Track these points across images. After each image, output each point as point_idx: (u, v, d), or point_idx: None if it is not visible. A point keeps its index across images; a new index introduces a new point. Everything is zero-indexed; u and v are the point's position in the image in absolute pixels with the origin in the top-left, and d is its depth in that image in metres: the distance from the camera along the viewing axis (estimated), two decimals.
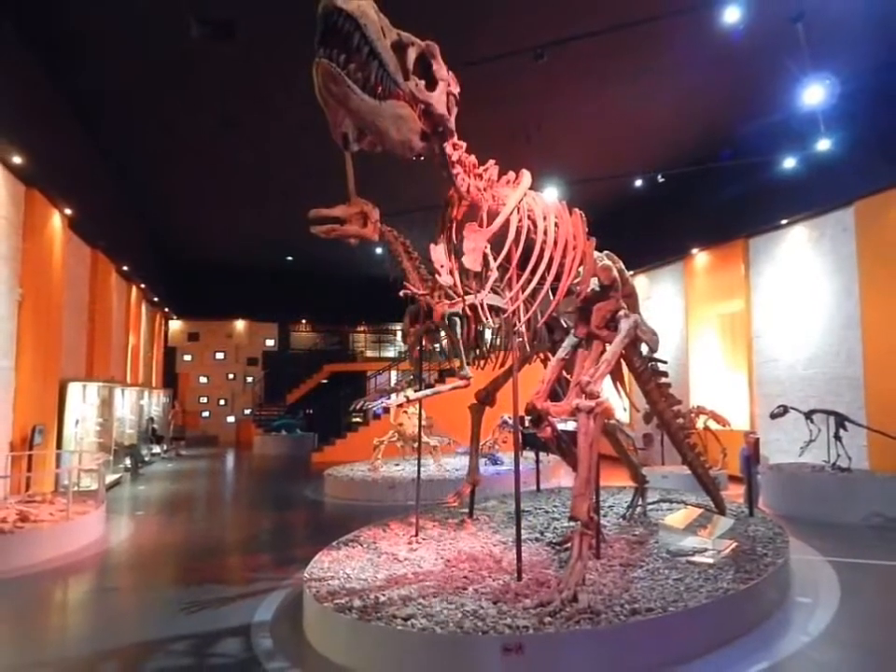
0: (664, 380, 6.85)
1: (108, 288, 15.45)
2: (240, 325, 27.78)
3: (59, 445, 11.59)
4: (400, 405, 11.99)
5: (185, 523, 10.38)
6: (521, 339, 5.95)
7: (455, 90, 3.92)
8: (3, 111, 8.62)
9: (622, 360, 6.29)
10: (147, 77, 10.12)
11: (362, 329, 30.50)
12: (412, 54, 3.45)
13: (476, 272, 4.87)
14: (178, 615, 5.62)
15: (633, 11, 8.13)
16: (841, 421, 9.88)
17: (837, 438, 9.87)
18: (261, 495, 13.82)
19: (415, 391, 6.93)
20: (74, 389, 12.39)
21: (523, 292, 5.07)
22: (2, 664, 4.81)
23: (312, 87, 3.16)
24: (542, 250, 5.18)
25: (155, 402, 21.48)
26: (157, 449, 19.70)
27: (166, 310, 25.01)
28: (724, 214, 13.68)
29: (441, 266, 4.58)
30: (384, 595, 4.83)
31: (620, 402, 6.77)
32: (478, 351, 6.86)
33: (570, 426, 6.53)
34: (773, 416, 10.55)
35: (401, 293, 6.22)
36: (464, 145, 4.41)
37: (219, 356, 27.51)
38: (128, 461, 15.64)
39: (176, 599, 6.08)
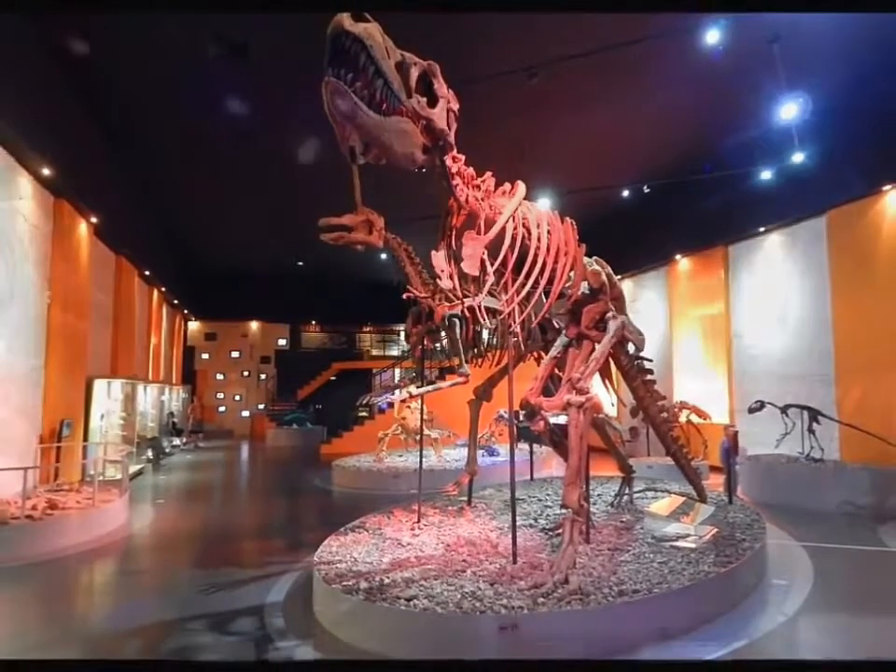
0: (649, 377, 6.85)
1: (131, 292, 15.43)
2: (254, 325, 27.78)
3: (85, 438, 11.56)
4: (404, 400, 11.95)
5: (203, 510, 10.36)
6: (516, 339, 5.94)
7: (455, 106, 3.91)
8: (33, 126, 8.61)
9: (610, 359, 6.29)
10: (169, 93, 10.11)
11: (368, 329, 30.49)
12: (414, 73, 3.45)
13: (474, 276, 4.86)
14: (196, 596, 5.62)
15: (620, 34, 8.13)
16: (814, 415, 9.89)
17: (811, 431, 9.87)
18: (274, 484, 13.81)
19: (418, 387, 6.93)
20: (99, 386, 12.38)
21: (518, 295, 5.07)
22: (34, 640, 4.82)
23: (321, 103, 3.16)
24: (536, 256, 5.17)
25: (175, 398, 21.48)
26: (177, 441, 19.66)
27: (185, 311, 24.99)
28: (705, 223, 13.67)
29: (442, 271, 4.57)
30: (388, 577, 4.82)
31: (608, 398, 6.78)
32: (476, 350, 6.86)
33: (562, 419, 6.53)
34: (751, 411, 10.54)
35: (405, 296, 6.22)
36: (463, 158, 4.41)
37: (235, 354, 27.50)
38: (150, 453, 15.62)
39: (194, 581, 6.07)
